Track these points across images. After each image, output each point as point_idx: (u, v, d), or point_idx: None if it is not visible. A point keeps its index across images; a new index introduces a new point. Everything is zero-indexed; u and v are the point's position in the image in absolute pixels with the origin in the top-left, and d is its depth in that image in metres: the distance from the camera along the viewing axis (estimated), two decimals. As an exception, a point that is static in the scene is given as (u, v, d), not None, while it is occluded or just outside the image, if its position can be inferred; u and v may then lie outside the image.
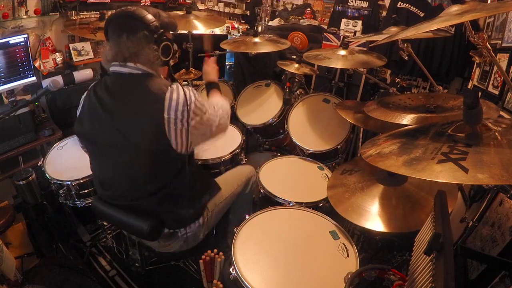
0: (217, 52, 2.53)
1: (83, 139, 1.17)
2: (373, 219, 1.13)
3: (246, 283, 0.98)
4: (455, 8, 0.94)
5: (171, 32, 1.16)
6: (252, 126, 2.12)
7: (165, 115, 1.00)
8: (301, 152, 1.94)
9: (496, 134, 0.80)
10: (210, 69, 1.50)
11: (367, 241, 1.59)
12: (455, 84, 2.58)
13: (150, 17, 1.03)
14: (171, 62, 1.16)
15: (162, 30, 1.05)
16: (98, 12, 2.23)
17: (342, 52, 1.70)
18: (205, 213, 1.26)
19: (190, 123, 1.04)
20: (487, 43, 1.10)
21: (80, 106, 1.14)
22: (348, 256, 1.11)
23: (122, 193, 1.14)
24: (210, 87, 1.42)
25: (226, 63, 3.39)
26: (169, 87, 1.04)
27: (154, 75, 1.09)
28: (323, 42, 2.78)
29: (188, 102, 1.03)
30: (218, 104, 1.21)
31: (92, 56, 2.53)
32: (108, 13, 2.24)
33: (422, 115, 1.20)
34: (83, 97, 1.15)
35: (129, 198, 1.13)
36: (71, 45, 2.44)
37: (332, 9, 3.19)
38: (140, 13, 1.03)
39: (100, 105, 1.06)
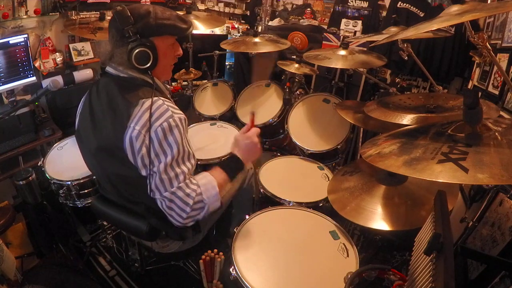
0: (217, 52, 2.53)
1: (76, 138, 1.15)
2: (375, 218, 1.13)
3: (246, 283, 0.98)
4: (455, 8, 0.94)
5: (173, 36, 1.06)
6: (252, 126, 2.11)
7: (127, 130, 0.92)
8: (301, 152, 1.94)
9: (496, 134, 0.80)
10: (252, 145, 1.14)
11: (367, 241, 1.59)
12: (455, 84, 2.58)
13: (129, 19, 0.94)
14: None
15: (138, 34, 0.94)
16: (98, 12, 2.23)
17: (342, 52, 1.70)
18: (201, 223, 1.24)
19: (141, 147, 0.92)
20: (487, 43, 1.10)
21: (80, 103, 1.14)
22: (348, 256, 1.11)
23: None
24: (228, 163, 1.10)
25: (226, 63, 3.40)
26: (141, 100, 0.94)
27: (139, 81, 1.01)
28: (323, 42, 2.78)
29: (157, 121, 0.92)
30: (211, 191, 1.00)
31: (92, 56, 2.53)
32: (108, 13, 2.25)
33: (422, 115, 1.20)
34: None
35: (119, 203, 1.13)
36: (71, 45, 2.44)
37: (332, 9, 3.19)
38: (121, 13, 0.94)
39: (88, 106, 1.06)
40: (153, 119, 0.92)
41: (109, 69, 1.05)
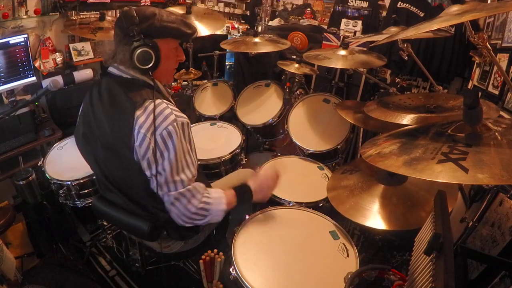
0: (217, 52, 2.53)
1: (78, 139, 1.14)
2: (374, 217, 1.13)
3: (246, 283, 0.98)
4: (455, 8, 0.94)
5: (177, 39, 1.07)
6: (252, 126, 2.12)
7: (133, 131, 0.94)
8: (301, 152, 1.94)
9: (496, 134, 0.80)
10: (268, 188, 1.21)
11: (367, 241, 1.59)
12: (455, 84, 2.58)
13: (134, 19, 0.96)
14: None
15: (142, 34, 0.96)
16: (98, 12, 2.23)
17: (342, 52, 1.70)
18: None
19: (147, 149, 0.94)
20: (487, 43, 1.10)
21: (82, 106, 1.13)
22: (348, 256, 1.11)
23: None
24: (242, 191, 1.15)
25: (226, 63, 3.39)
26: (145, 103, 0.96)
27: (141, 82, 1.02)
28: (323, 42, 2.78)
29: (161, 124, 0.94)
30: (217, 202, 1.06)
31: (92, 56, 2.53)
32: (108, 13, 2.25)
33: (422, 115, 1.20)
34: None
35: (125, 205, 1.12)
36: (71, 45, 2.44)
37: (332, 9, 3.20)
38: (127, 13, 0.97)
39: (90, 106, 1.06)
40: (157, 122, 0.94)
41: (111, 69, 1.05)
